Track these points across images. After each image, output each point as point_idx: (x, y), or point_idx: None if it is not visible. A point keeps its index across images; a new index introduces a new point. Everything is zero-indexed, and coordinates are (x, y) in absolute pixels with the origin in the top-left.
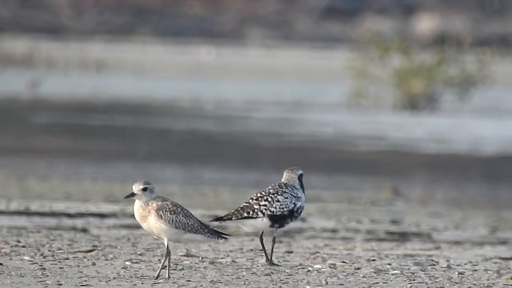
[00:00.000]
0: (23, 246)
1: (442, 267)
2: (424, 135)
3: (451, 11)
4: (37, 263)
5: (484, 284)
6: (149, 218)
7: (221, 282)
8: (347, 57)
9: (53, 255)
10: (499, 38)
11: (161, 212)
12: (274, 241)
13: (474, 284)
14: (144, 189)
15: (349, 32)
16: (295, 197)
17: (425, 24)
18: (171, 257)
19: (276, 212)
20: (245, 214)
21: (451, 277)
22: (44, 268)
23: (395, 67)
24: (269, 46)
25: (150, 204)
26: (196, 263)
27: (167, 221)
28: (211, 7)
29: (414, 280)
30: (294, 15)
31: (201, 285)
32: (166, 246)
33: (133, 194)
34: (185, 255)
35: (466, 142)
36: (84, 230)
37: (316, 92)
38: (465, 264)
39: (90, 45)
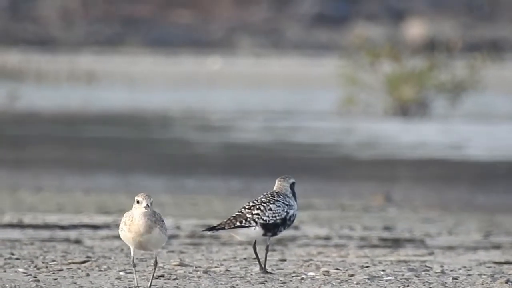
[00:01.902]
0: (17, 259)
1: (436, 273)
2: (415, 141)
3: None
4: (31, 275)
5: None
6: (154, 230)
7: None
8: (338, 64)
9: (47, 267)
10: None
11: (162, 223)
12: (267, 250)
13: None
14: (151, 201)
15: (339, 39)
16: (287, 205)
17: (415, 30)
18: (164, 267)
19: (268, 221)
20: (238, 223)
21: (445, 283)
22: (38, 280)
23: (385, 73)
24: (259, 54)
25: (155, 215)
26: (190, 273)
27: (166, 231)
28: (200, 16)
29: (408, 286)
30: (283, 23)
31: None
32: (155, 257)
33: (148, 209)
34: (178, 265)
35: (458, 147)
36: (77, 242)
37: (306, 99)
38: (459, 269)
39: (80, 56)
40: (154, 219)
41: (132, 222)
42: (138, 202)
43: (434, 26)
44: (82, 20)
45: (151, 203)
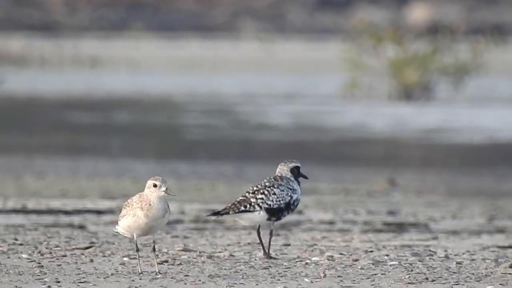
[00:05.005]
0: (21, 244)
1: (440, 257)
2: (419, 125)
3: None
4: (35, 260)
5: (482, 273)
6: (166, 214)
7: (219, 276)
8: (341, 48)
9: (50, 253)
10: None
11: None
12: (271, 234)
13: (472, 274)
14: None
15: (342, 23)
16: (291, 189)
17: (418, 13)
18: (168, 252)
19: (273, 205)
20: (242, 208)
21: (449, 267)
22: (42, 266)
23: (389, 57)
24: (262, 38)
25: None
26: (194, 258)
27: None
28: (204, 1)
29: (412, 270)
30: (287, 7)
31: (199, 280)
32: (154, 241)
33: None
34: (182, 250)
35: (462, 131)
36: (81, 227)
37: (310, 83)
38: (463, 253)
39: (83, 42)
40: (167, 203)
41: (151, 207)
42: (155, 186)
43: (437, 10)
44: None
45: (168, 187)
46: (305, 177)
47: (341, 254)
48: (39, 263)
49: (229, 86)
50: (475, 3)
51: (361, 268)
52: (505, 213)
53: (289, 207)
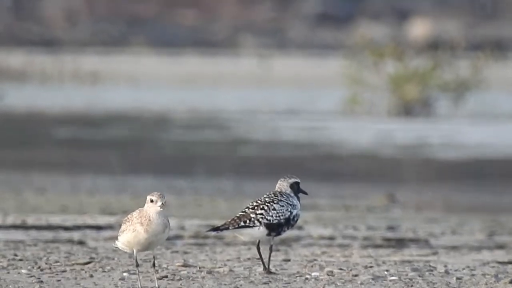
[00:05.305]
0: (20, 260)
1: (440, 273)
2: (419, 141)
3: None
4: (34, 276)
5: None
6: (166, 229)
7: None
8: (342, 64)
9: (50, 268)
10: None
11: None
12: (271, 250)
13: None
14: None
15: (343, 39)
16: (290, 205)
17: (419, 29)
18: (168, 268)
19: (272, 221)
20: (242, 223)
21: (449, 282)
22: (42, 281)
23: (389, 73)
24: (263, 54)
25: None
26: (193, 273)
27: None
28: (205, 16)
29: (412, 286)
30: (288, 23)
31: None
32: (154, 256)
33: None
34: (182, 265)
35: (462, 147)
36: (81, 243)
37: (310, 99)
38: (463, 269)
39: (84, 57)
40: (166, 218)
41: (151, 222)
42: (152, 201)
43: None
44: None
45: (165, 202)
46: (305, 193)
47: (341, 269)
48: (39, 278)
49: (229, 102)
50: (475, 19)
51: (361, 283)
52: (505, 229)
53: (289, 222)
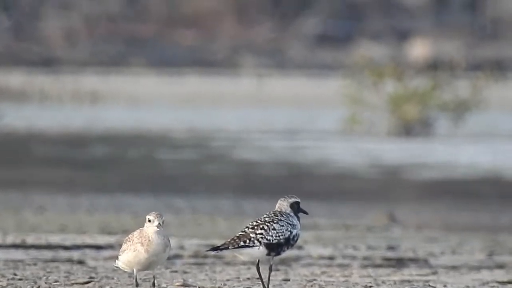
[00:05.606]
0: (20, 279)
1: None
2: (418, 161)
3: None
4: None
5: None
6: (167, 249)
7: None
8: (341, 84)
9: (50, 287)
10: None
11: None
12: (270, 269)
13: None
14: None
15: (342, 59)
16: (290, 224)
17: (419, 49)
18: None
19: (272, 240)
20: (242, 243)
21: None
22: None
23: (389, 93)
24: (262, 74)
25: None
26: None
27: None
28: (204, 36)
29: None
30: (287, 43)
31: None
32: (154, 275)
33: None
34: (182, 285)
35: (461, 167)
36: (80, 262)
37: (310, 119)
38: None
39: (83, 77)
40: (167, 238)
41: (151, 242)
42: (149, 221)
43: (437, 46)
44: (85, 40)
45: (163, 222)
46: (305, 213)
47: None
48: None
49: (228, 121)
50: (474, 39)
51: None
52: (505, 248)
53: (289, 242)
